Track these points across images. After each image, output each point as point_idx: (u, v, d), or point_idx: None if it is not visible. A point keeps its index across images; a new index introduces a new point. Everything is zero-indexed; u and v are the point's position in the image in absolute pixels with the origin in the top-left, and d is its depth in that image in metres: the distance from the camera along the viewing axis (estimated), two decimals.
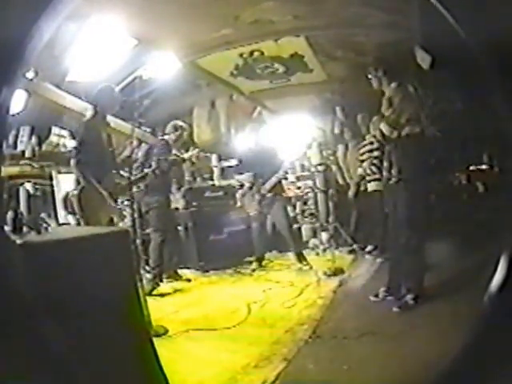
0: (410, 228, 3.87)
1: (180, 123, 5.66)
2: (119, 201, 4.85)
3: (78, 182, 4.18)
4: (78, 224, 4.26)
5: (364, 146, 5.67)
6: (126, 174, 4.53)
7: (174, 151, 5.46)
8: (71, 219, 4.81)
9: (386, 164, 4.07)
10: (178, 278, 5.51)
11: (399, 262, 4.06)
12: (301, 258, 5.78)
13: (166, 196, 5.36)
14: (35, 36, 1.37)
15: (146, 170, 5.08)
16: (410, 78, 4.66)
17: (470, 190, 6.79)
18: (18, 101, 4.65)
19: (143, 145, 5.72)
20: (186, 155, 5.67)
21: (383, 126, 4.04)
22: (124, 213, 5.07)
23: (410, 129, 3.92)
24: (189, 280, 5.53)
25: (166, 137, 5.55)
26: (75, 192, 4.17)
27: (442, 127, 5.91)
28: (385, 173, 4.10)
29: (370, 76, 4.33)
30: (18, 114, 4.61)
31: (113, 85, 4.59)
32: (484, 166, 6.83)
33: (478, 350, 1.48)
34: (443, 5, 1.53)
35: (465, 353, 1.51)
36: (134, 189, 4.56)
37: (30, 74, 4.59)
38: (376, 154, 5.07)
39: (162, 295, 4.85)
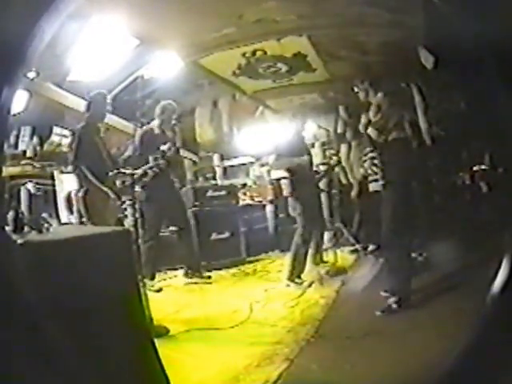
0: (391, 230, 3.95)
1: (167, 104, 5.35)
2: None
3: (80, 185, 4.18)
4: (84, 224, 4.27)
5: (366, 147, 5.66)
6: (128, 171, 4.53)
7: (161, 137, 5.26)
8: (73, 219, 4.80)
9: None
10: (200, 276, 5.48)
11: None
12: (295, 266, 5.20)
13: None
14: (36, 36, 1.37)
15: (139, 171, 5.00)
16: (407, 79, 4.70)
17: (473, 190, 6.77)
18: (19, 101, 4.64)
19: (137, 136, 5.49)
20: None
21: (371, 131, 4.16)
22: (125, 212, 5.07)
23: (396, 133, 4.03)
24: (209, 277, 5.54)
25: (150, 124, 5.32)
26: (80, 194, 4.17)
27: (445, 127, 5.91)
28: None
29: (356, 89, 4.43)
30: (19, 113, 4.61)
31: (105, 91, 4.57)
32: (487, 166, 6.80)
33: (480, 349, 1.47)
34: (446, 5, 1.52)
35: (467, 352, 1.51)
36: (137, 188, 4.55)
37: (31, 74, 4.59)
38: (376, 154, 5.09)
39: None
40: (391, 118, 4.04)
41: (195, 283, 5.34)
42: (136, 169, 4.69)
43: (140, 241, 4.68)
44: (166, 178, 5.27)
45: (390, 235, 3.98)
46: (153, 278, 5.07)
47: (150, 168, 4.92)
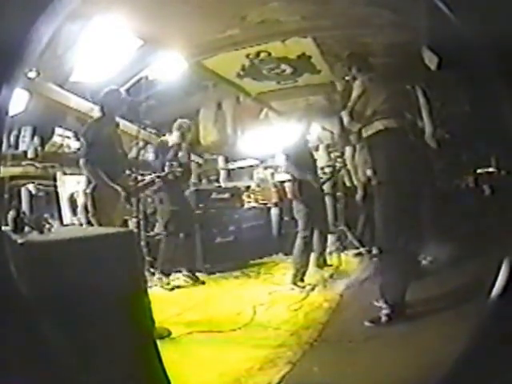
0: (383, 234, 3.70)
1: (183, 122, 5.62)
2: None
3: (88, 182, 4.14)
4: (90, 224, 4.23)
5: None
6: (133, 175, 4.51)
7: (172, 152, 5.44)
8: (76, 220, 4.79)
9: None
10: (194, 279, 5.53)
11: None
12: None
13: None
14: (35, 35, 1.36)
15: (152, 176, 5.02)
16: (412, 81, 4.59)
17: (476, 192, 6.75)
18: (19, 101, 4.61)
19: (149, 146, 5.66)
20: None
21: (344, 115, 3.74)
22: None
23: (381, 123, 3.52)
24: (203, 283, 5.55)
25: (165, 137, 5.52)
26: (88, 191, 4.12)
27: (449, 129, 5.87)
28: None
29: (347, 78, 4.12)
30: (19, 114, 4.58)
31: (119, 87, 4.54)
32: (491, 169, 6.78)
33: (480, 351, 1.47)
34: (450, 6, 1.51)
35: (467, 355, 1.51)
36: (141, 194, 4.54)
37: (32, 74, 4.55)
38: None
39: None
40: (370, 104, 3.53)
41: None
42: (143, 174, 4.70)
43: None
44: (177, 183, 5.34)
45: (383, 240, 3.73)
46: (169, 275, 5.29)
47: (166, 175, 5.00)
